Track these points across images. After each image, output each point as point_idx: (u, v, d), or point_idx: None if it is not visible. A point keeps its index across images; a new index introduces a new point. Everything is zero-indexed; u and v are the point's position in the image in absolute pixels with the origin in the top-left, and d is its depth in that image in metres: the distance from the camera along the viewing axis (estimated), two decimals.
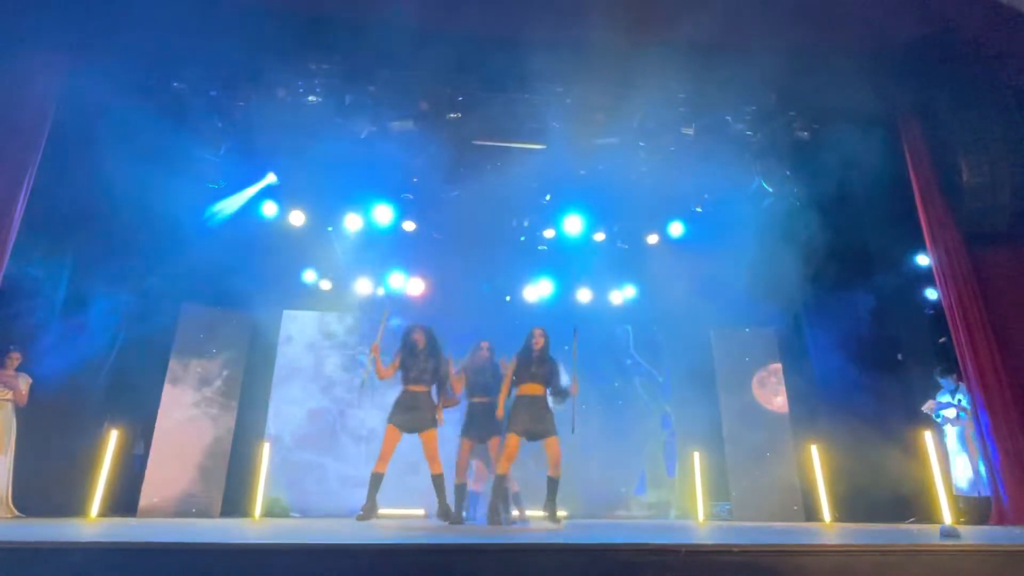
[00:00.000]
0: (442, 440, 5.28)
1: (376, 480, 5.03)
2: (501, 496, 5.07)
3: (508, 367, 5.30)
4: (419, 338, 5.28)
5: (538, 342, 5.23)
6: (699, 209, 7.66)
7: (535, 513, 6.48)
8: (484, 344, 5.95)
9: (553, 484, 5.06)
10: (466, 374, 5.76)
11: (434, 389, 5.27)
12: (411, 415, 5.10)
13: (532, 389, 5.15)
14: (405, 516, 6.70)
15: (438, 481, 5.08)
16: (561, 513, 7.06)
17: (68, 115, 5.57)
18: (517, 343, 5.45)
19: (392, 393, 5.36)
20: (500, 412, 5.29)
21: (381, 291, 8.05)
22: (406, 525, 4.97)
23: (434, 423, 5.14)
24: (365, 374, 5.64)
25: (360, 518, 4.94)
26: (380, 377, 5.31)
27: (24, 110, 5.35)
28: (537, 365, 5.17)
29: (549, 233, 7.93)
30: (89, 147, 5.74)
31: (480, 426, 5.56)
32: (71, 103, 5.56)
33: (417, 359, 5.22)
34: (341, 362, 7.98)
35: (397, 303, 7.92)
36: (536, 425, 5.03)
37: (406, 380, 5.22)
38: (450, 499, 5.23)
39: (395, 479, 6.31)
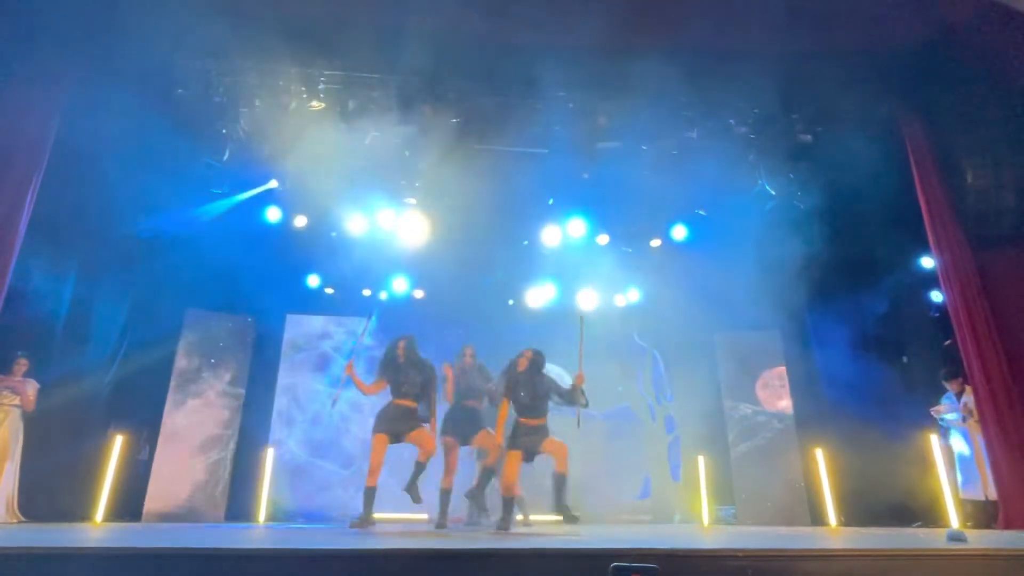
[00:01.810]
0: None
1: (370, 494, 4.98)
2: (509, 508, 5.06)
3: (501, 388, 5.21)
4: (400, 352, 5.21)
5: (521, 364, 5.11)
6: (703, 212, 7.65)
7: (538, 518, 6.47)
8: (468, 351, 5.97)
9: (560, 481, 4.94)
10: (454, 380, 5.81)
11: (421, 406, 5.20)
12: (396, 424, 5.07)
13: (533, 421, 5.05)
14: (408, 520, 6.69)
15: (419, 467, 5.06)
16: None
17: (73, 122, 5.60)
18: (520, 348, 5.43)
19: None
20: (499, 439, 5.27)
21: (367, 292, 8.06)
22: (409, 530, 4.98)
23: (420, 426, 5.12)
24: (337, 393, 5.68)
25: (354, 525, 4.89)
26: (365, 394, 5.30)
27: (29, 119, 5.39)
28: (529, 392, 5.03)
29: (552, 237, 7.93)
30: (94, 154, 5.78)
31: (462, 427, 5.58)
32: (76, 111, 5.59)
33: (402, 373, 5.15)
34: (344, 366, 7.99)
35: (396, 307, 7.95)
36: (535, 445, 4.99)
37: (396, 394, 5.17)
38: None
39: (401, 484, 6.31)
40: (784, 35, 5.60)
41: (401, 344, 5.24)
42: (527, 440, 4.97)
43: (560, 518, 5.05)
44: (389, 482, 6.47)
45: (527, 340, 6.01)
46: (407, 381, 5.13)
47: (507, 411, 5.15)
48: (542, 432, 5.04)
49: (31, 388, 5.61)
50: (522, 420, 5.05)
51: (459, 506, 5.82)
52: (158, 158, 6.23)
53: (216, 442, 6.87)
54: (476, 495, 5.17)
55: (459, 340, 7.41)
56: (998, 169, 5.81)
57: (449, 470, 5.46)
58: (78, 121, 5.61)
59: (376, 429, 5.08)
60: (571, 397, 5.09)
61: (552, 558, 2.62)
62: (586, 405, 5.09)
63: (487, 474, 5.20)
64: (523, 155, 6.85)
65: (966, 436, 6.04)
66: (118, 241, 6.52)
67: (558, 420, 5.35)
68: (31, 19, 5.36)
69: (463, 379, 5.77)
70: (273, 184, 7.12)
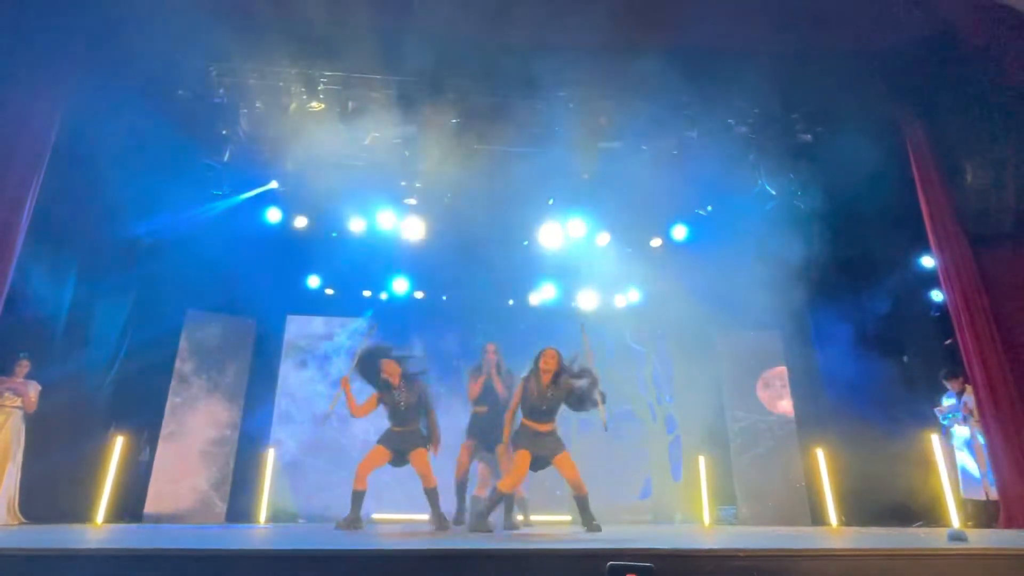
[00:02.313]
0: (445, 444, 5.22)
1: (358, 497, 4.90)
2: (507, 505, 5.00)
3: (515, 395, 4.93)
4: (391, 373, 5.05)
5: (549, 364, 4.81)
6: (710, 208, 7.65)
7: (539, 518, 6.47)
8: (490, 347, 5.82)
9: (582, 501, 4.79)
10: (476, 379, 5.68)
11: (422, 422, 5.10)
12: (398, 445, 5.01)
13: (541, 426, 4.81)
14: (411, 521, 6.69)
15: (431, 494, 4.95)
16: (566, 517, 7.10)
17: (73, 123, 5.61)
18: (521, 348, 5.40)
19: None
20: (506, 440, 4.94)
21: (368, 293, 8.06)
22: (411, 531, 4.97)
23: (424, 445, 5.01)
24: (332, 403, 5.59)
25: (339, 526, 4.81)
26: (354, 414, 5.13)
27: (30, 120, 5.39)
28: (550, 398, 4.78)
29: (552, 237, 7.93)
30: (95, 155, 5.78)
31: (485, 434, 5.47)
32: (76, 112, 5.59)
33: (395, 398, 5.03)
34: (345, 367, 7.99)
35: (396, 308, 7.95)
36: (543, 451, 4.78)
37: (391, 422, 5.08)
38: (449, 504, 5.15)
39: (401, 484, 6.32)
40: (784, 35, 5.60)
41: (389, 365, 5.06)
42: (533, 444, 4.77)
43: (567, 519, 4.95)
44: (391, 483, 6.49)
45: (528, 340, 6.00)
46: (400, 408, 5.02)
47: (513, 413, 4.97)
48: (550, 439, 4.83)
49: (32, 390, 5.60)
50: (528, 423, 4.84)
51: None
52: (159, 159, 6.23)
53: (217, 443, 6.87)
54: (480, 525, 4.96)
55: (459, 341, 7.39)
56: (998, 169, 5.80)
57: (460, 467, 5.40)
58: (79, 122, 5.62)
59: (380, 442, 5.07)
60: (584, 403, 4.84)
61: (552, 558, 2.61)
62: (603, 402, 4.85)
63: (495, 499, 4.88)
64: (523, 155, 6.85)
65: (967, 435, 6.04)
66: (119, 242, 6.53)
67: (565, 423, 5.20)
68: (32, 21, 5.36)
69: (485, 381, 5.63)
70: (273, 185, 7.14)
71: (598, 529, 4.66)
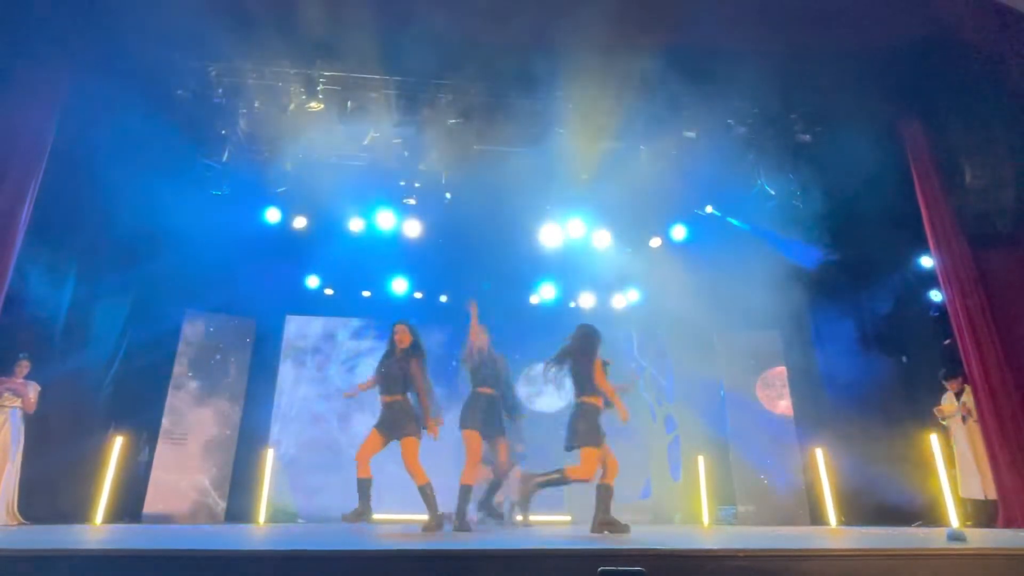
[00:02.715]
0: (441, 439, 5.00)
1: (364, 485, 4.71)
2: (492, 486, 4.91)
3: (600, 370, 4.64)
4: (401, 341, 4.91)
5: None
6: (710, 209, 7.64)
7: (538, 518, 6.46)
8: (483, 334, 5.53)
9: (607, 493, 4.55)
10: (474, 357, 5.40)
11: (410, 396, 4.85)
12: (390, 425, 4.78)
13: (598, 400, 4.62)
14: (411, 521, 6.68)
15: (423, 492, 4.69)
16: (565, 517, 7.09)
17: (72, 122, 5.61)
18: (521, 348, 5.38)
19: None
20: (624, 415, 4.60)
21: (367, 294, 8.06)
22: (411, 531, 4.97)
23: (414, 431, 4.71)
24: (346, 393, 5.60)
25: (346, 519, 4.67)
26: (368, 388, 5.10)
27: (28, 120, 5.39)
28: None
29: (552, 237, 7.93)
30: (93, 155, 5.78)
31: (486, 420, 5.15)
32: (75, 112, 5.60)
33: (387, 364, 4.89)
34: (344, 367, 7.99)
35: (395, 308, 7.95)
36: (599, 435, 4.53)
37: (380, 390, 4.91)
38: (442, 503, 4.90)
39: (402, 484, 6.30)
40: (784, 35, 5.60)
41: (402, 331, 4.92)
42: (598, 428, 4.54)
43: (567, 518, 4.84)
44: (391, 482, 6.48)
45: (527, 340, 5.99)
46: (391, 375, 4.81)
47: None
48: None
49: (32, 391, 5.59)
50: (590, 400, 4.58)
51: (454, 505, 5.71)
52: (158, 159, 6.23)
53: (216, 443, 6.86)
54: (486, 504, 4.86)
55: (458, 341, 7.36)
56: (997, 169, 5.81)
57: (472, 467, 5.00)
58: (78, 122, 5.62)
59: (376, 424, 4.88)
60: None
61: (551, 558, 2.62)
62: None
63: (495, 484, 4.82)
64: (523, 155, 6.85)
65: (966, 435, 6.03)
66: (118, 242, 6.52)
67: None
68: (30, 20, 5.36)
69: (482, 363, 5.38)
70: (273, 185, 7.13)
71: (625, 529, 4.43)
